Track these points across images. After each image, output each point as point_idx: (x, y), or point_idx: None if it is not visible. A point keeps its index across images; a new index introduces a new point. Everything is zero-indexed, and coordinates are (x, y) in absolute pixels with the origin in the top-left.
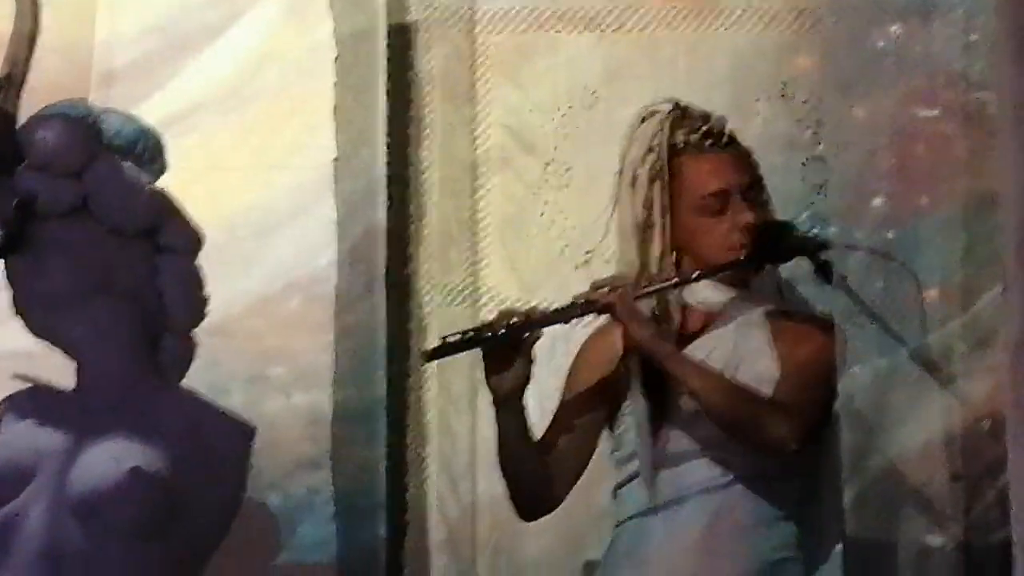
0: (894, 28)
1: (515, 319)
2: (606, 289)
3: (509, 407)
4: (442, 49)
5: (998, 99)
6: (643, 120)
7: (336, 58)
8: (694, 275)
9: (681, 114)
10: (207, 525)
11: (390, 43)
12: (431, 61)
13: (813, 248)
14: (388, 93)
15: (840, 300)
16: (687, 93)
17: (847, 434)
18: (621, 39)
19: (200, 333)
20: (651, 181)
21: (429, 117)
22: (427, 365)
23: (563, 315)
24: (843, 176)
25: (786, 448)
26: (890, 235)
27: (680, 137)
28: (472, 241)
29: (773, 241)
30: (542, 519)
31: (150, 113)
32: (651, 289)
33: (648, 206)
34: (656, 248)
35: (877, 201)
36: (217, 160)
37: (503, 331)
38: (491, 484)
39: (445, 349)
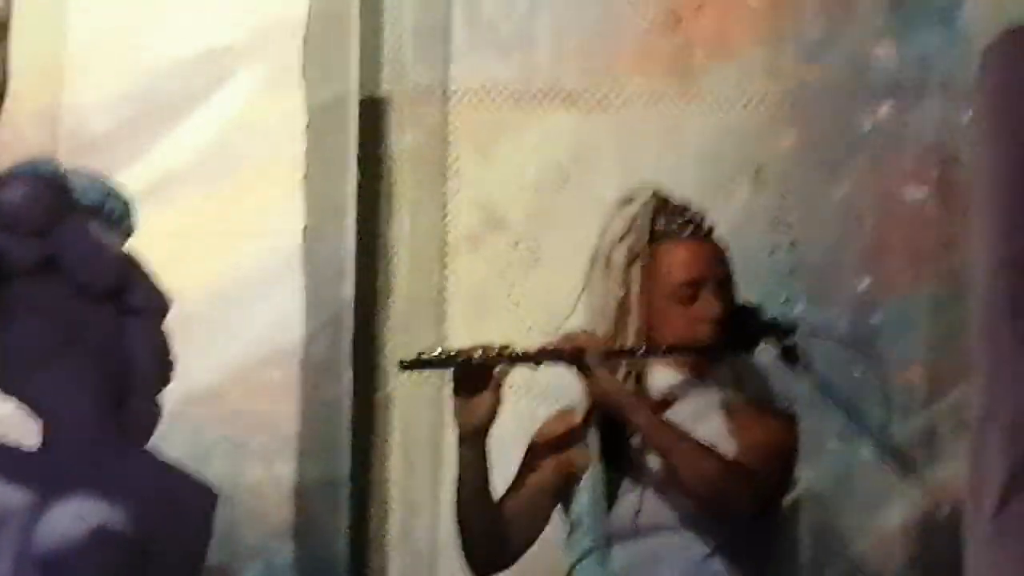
0: (882, 108)
1: (490, 351)
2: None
3: (473, 444)
4: (413, 124)
5: (974, 177)
6: (623, 204)
7: (307, 125)
8: (663, 348)
9: (663, 201)
10: None
11: (362, 115)
12: (402, 136)
13: (779, 332)
14: (359, 164)
15: (805, 386)
16: (658, 173)
17: (805, 518)
18: (594, 118)
19: (179, 401)
20: (629, 263)
21: (399, 192)
22: (390, 440)
23: (536, 356)
24: (818, 259)
25: (744, 510)
26: (873, 320)
27: (660, 223)
28: (439, 319)
29: (740, 325)
30: None
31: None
32: (619, 352)
33: (625, 287)
34: (632, 328)
35: (862, 283)
36: (193, 228)
37: (477, 358)
38: (452, 563)
39: (420, 363)
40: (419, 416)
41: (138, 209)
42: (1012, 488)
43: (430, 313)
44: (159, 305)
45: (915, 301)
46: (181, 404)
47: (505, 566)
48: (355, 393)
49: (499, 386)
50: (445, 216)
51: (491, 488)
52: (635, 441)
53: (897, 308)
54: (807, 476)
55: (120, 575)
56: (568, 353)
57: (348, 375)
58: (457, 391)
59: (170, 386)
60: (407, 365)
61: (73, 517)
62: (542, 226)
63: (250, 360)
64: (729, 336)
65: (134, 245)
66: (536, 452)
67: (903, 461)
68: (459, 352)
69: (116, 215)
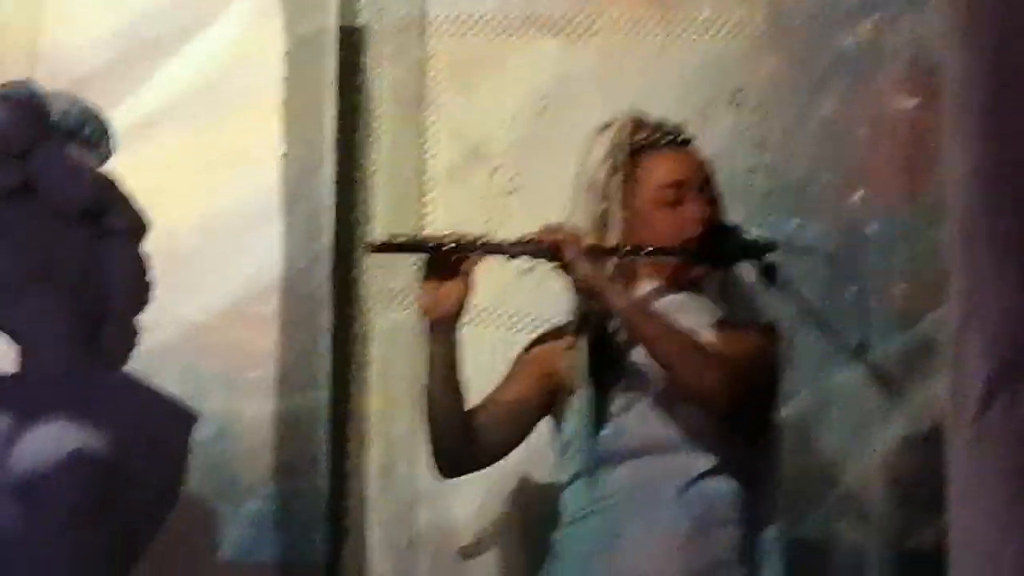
0: (863, 24)
1: (463, 237)
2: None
3: (441, 332)
4: (392, 54)
5: (946, 85)
6: (602, 130)
7: (287, 54)
8: (646, 249)
9: (640, 121)
10: (147, 511)
11: (341, 46)
12: (381, 66)
13: (758, 250)
14: (338, 95)
15: (786, 304)
16: (638, 101)
17: (787, 438)
18: (572, 47)
19: (177, 338)
20: (609, 176)
21: (379, 122)
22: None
23: (512, 248)
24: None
25: (721, 397)
26: (868, 231)
27: (639, 138)
28: None
29: (719, 243)
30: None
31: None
32: (600, 249)
33: (606, 200)
34: (611, 240)
35: (854, 197)
36: (181, 165)
37: (451, 244)
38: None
39: (390, 247)
40: (398, 349)
41: (122, 144)
42: (992, 393)
43: None
44: (137, 227)
45: (910, 213)
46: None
47: (471, 469)
48: (335, 323)
49: (468, 275)
50: (424, 146)
51: (461, 381)
52: (626, 359)
53: (890, 221)
54: (790, 395)
55: (97, 497)
56: (546, 245)
57: (328, 306)
58: (427, 277)
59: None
60: (377, 248)
61: (50, 441)
62: (521, 156)
63: (231, 294)
64: (708, 254)
65: (117, 174)
66: (522, 363)
67: (885, 380)
68: (431, 238)
69: (94, 138)
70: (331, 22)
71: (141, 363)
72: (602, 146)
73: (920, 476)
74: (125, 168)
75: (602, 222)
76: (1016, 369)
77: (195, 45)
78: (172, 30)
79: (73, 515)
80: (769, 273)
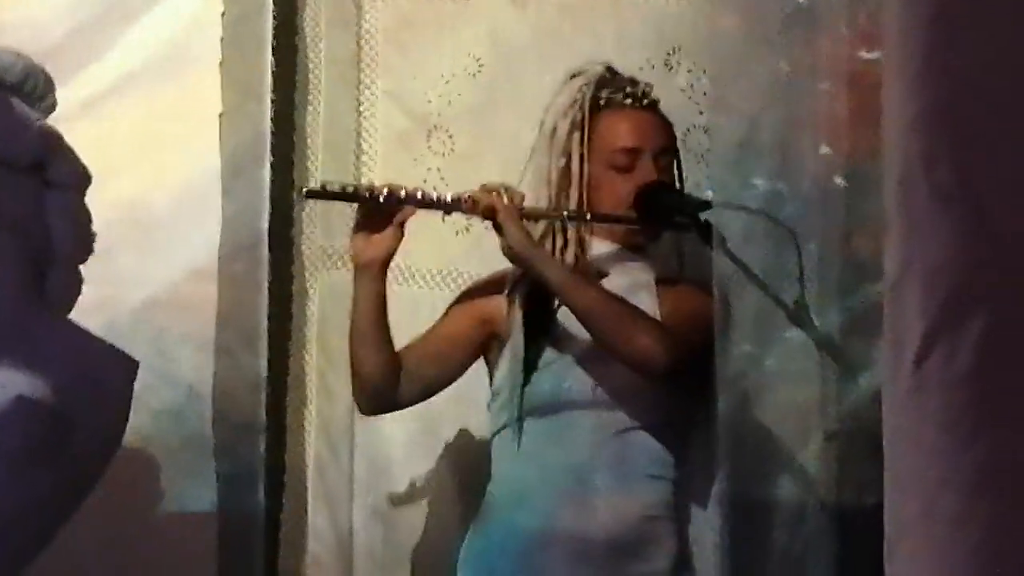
0: None
1: (397, 190)
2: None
3: (369, 274)
4: (327, 12)
5: (885, 32)
6: (572, 77)
7: (223, 14)
8: (586, 215)
9: (609, 76)
10: (90, 457)
11: (277, 6)
12: (316, 25)
13: (692, 208)
14: (274, 53)
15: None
16: (571, 62)
17: (723, 393)
18: (507, 6)
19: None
20: (570, 132)
21: (313, 81)
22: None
23: (446, 205)
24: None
25: (656, 362)
26: (838, 180)
27: (604, 94)
28: (353, 206)
29: (654, 202)
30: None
31: None
32: (539, 212)
33: (566, 155)
34: (573, 197)
35: (821, 151)
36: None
37: (383, 196)
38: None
39: (324, 194)
40: (338, 307)
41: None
42: (930, 344)
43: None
44: (79, 179)
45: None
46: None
47: (392, 409)
48: (273, 281)
49: (402, 225)
50: (359, 105)
51: (386, 327)
52: (557, 313)
53: (860, 172)
54: (731, 353)
55: (42, 444)
56: (481, 206)
57: (265, 261)
58: (359, 228)
59: None
60: (311, 193)
61: None
62: (456, 114)
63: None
64: (644, 212)
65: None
66: (457, 304)
67: (822, 340)
68: (366, 188)
69: (38, 91)
70: None
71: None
72: (567, 95)
73: (860, 430)
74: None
75: (562, 177)
76: (954, 319)
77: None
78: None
79: (19, 459)
80: (703, 232)
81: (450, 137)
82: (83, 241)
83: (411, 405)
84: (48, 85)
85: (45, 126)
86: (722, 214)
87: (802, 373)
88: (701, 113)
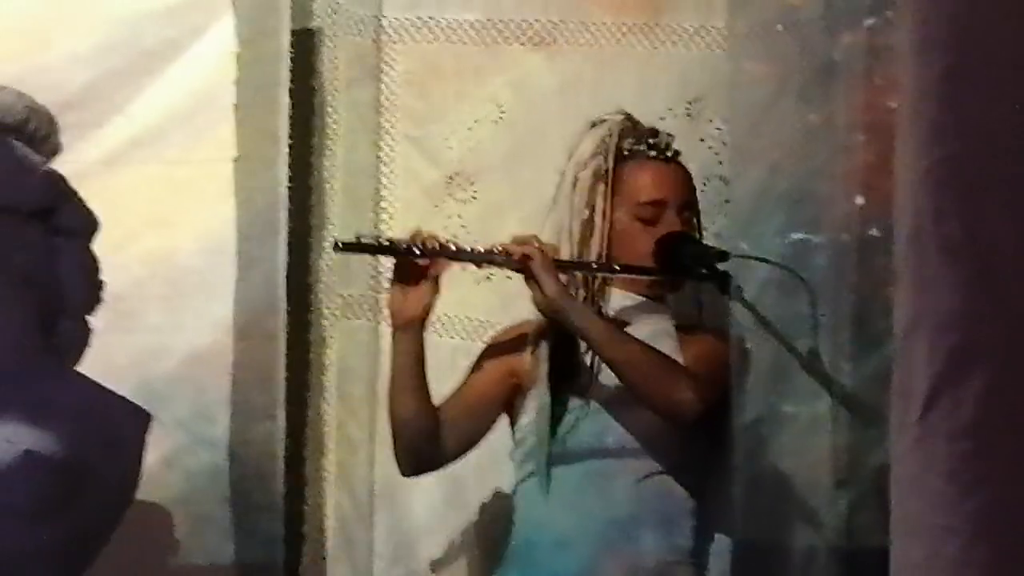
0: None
1: (432, 242)
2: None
3: (408, 334)
4: (347, 57)
5: (899, 90)
6: (593, 126)
7: (238, 56)
8: (617, 267)
9: (631, 125)
10: (102, 511)
11: (294, 47)
12: (335, 69)
13: (711, 258)
14: (292, 96)
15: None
16: (593, 109)
17: (739, 442)
18: (530, 54)
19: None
20: (595, 183)
21: (333, 126)
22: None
23: (480, 256)
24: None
25: (691, 411)
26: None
27: (627, 144)
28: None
29: (674, 252)
30: None
31: None
32: (570, 264)
33: (590, 207)
34: (595, 248)
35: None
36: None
37: (417, 248)
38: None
39: (357, 246)
40: (355, 355)
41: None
42: (936, 395)
43: None
44: (88, 225)
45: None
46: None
47: (435, 467)
48: (290, 329)
49: (437, 279)
50: (379, 150)
51: (426, 384)
52: (585, 360)
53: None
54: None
55: (51, 498)
56: (514, 256)
57: (282, 309)
58: (395, 282)
59: None
60: (344, 247)
61: (1, 441)
62: (477, 161)
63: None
64: (664, 262)
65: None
66: (485, 358)
67: (835, 390)
68: (399, 241)
69: (41, 133)
70: (284, 23)
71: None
72: (591, 144)
73: (869, 478)
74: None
75: (585, 228)
76: (959, 371)
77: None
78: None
79: (27, 515)
80: (721, 282)
81: (472, 184)
82: (93, 289)
83: (451, 462)
84: (51, 126)
85: (50, 170)
86: (740, 264)
87: (815, 421)
88: (721, 163)
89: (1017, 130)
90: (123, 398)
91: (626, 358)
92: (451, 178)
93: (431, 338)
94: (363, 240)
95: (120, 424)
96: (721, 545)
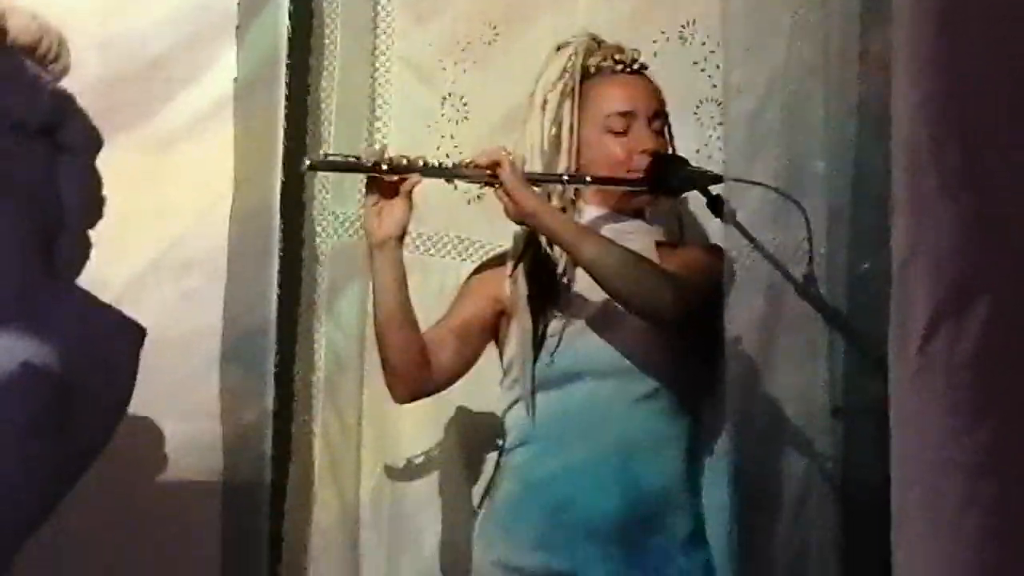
0: None
1: (399, 159)
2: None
3: (385, 252)
4: None
5: (893, 19)
6: (558, 49)
7: None
8: (588, 178)
9: (596, 44)
10: (94, 425)
11: None
12: None
13: (705, 181)
14: (290, 18)
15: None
16: (588, 30)
17: (732, 368)
18: None
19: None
20: (561, 101)
21: (329, 48)
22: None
23: (450, 172)
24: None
25: (671, 308)
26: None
27: (593, 62)
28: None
29: (666, 172)
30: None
31: None
32: (541, 176)
33: (557, 124)
34: (563, 163)
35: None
36: None
37: (387, 166)
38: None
39: (328, 165)
40: (346, 273)
41: None
42: (935, 326)
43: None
44: (91, 143)
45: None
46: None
47: (425, 393)
48: (283, 246)
49: (409, 195)
50: (374, 71)
51: (410, 306)
52: (564, 285)
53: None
54: (733, 327)
55: (45, 410)
56: (483, 168)
57: (276, 227)
58: (368, 201)
59: None
60: (314, 165)
61: (2, 352)
62: (471, 81)
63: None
64: (656, 184)
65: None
66: (466, 290)
67: (830, 315)
68: (370, 158)
69: (52, 54)
70: None
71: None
72: (557, 66)
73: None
74: None
75: (552, 145)
76: (959, 302)
77: None
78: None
79: (25, 426)
80: (714, 204)
81: (464, 105)
82: (94, 206)
83: (441, 390)
84: (62, 47)
85: (57, 88)
86: (733, 187)
87: (810, 347)
88: (715, 86)
89: (1016, 60)
90: (119, 312)
91: (602, 257)
92: (444, 99)
93: (423, 258)
94: (332, 158)
95: (115, 339)
96: (717, 473)
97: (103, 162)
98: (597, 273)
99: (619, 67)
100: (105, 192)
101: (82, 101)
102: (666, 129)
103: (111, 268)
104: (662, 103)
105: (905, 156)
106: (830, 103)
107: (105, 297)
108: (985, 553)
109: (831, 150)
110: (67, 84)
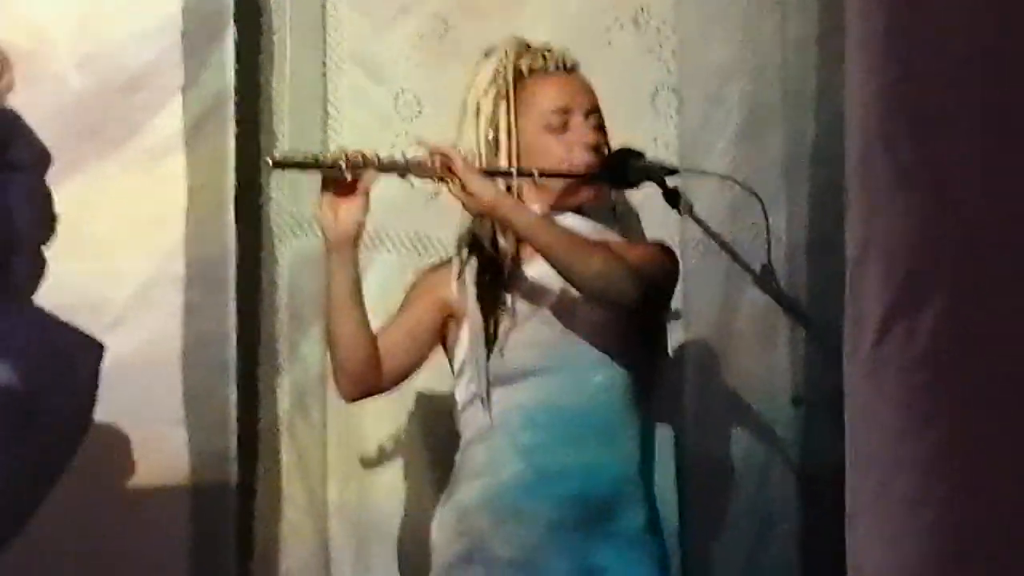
0: None
1: (357, 157)
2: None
3: (341, 253)
4: None
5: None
6: (486, 55)
7: None
8: (535, 173)
9: (526, 46)
10: (56, 442)
11: None
12: None
13: (660, 174)
14: (235, 20)
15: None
16: (538, 23)
17: (691, 356)
18: None
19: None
20: (496, 104)
21: (279, 46)
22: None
23: (403, 167)
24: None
25: (626, 295)
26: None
27: (524, 63)
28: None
29: (621, 166)
30: None
31: None
32: (490, 172)
33: (494, 127)
34: (503, 164)
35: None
36: None
37: (343, 163)
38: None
39: (288, 163)
40: (305, 272)
41: None
42: (889, 323)
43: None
44: (40, 158)
45: None
46: None
47: (373, 393)
48: (240, 249)
49: (366, 193)
50: (325, 69)
51: (363, 306)
52: (512, 282)
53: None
54: (692, 318)
55: (8, 426)
56: (437, 162)
57: (231, 230)
58: (324, 197)
59: None
60: (277, 163)
61: None
62: (423, 77)
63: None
64: (611, 176)
65: None
66: (413, 293)
67: (788, 305)
68: (327, 156)
69: None
70: None
71: None
72: (488, 71)
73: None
74: None
75: (490, 149)
76: (913, 300)
77: None
78: None
79: None
80: (671, 196)
81: (418, 102)
82: (46, 222)
83: (387, 390)
84: (4, 63)
85: (2, 108)
86: (689, 179)
87: (768, 337)
88: (670, 73)
89: (970, 50)
90: (77, 329)
91: (562, 243)
92: (397, 95)
93: (380, 255)
94: (292, 157)
95: (75, 354)
96: (669, 461)
97: (92, 180)
98: (555, 258)
99: (551, 66)
100: (95, 209)
101: (65, 119)
102: (603, 122)
103: (106, 284)
104: (595, 99)
105: (857, 149)
106: (787, 89)
107: (104, 315)
108: (937, 548)
109: (790, 138)
110: (50, 102)
